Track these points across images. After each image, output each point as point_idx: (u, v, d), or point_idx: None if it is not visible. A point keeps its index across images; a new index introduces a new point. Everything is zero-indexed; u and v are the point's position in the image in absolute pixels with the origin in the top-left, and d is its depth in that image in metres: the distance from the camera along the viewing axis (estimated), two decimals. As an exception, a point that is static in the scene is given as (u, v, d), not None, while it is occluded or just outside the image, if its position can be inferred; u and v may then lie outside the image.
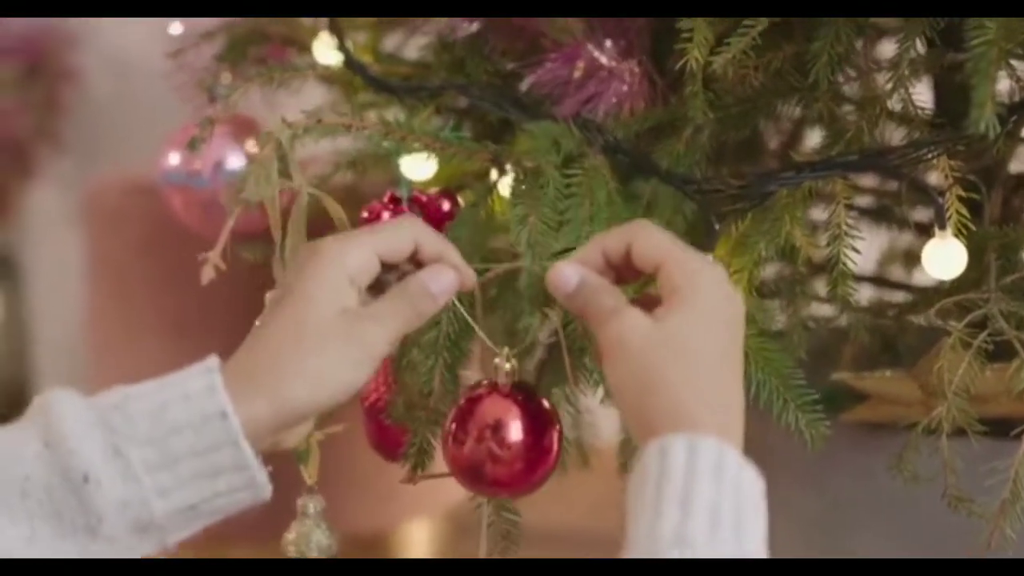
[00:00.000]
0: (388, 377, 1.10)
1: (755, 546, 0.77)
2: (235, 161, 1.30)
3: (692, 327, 0.82)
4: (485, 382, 0.92)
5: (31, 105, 2.56)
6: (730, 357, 0.83)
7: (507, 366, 0.91)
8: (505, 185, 1.06)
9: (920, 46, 1.05)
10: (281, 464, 0.87)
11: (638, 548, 0.75)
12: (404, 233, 0.87)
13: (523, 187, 0.98)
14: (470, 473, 0.90)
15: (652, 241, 0.85)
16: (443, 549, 2.13)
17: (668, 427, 0.79)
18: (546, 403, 0.91)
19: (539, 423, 0.90)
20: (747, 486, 0.78)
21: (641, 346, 0.82)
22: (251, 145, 1.30)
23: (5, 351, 2.71)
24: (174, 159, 1.32)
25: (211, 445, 0.80)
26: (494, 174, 1.07)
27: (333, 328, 0.83)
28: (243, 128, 1.31)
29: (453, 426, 0.90)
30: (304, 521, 0.98)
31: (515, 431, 0.89)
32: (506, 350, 0.91)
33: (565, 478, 1.38)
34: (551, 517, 1.38)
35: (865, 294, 1.31)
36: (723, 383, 0.82)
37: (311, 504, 0.99)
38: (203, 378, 0.81)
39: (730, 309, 0.84)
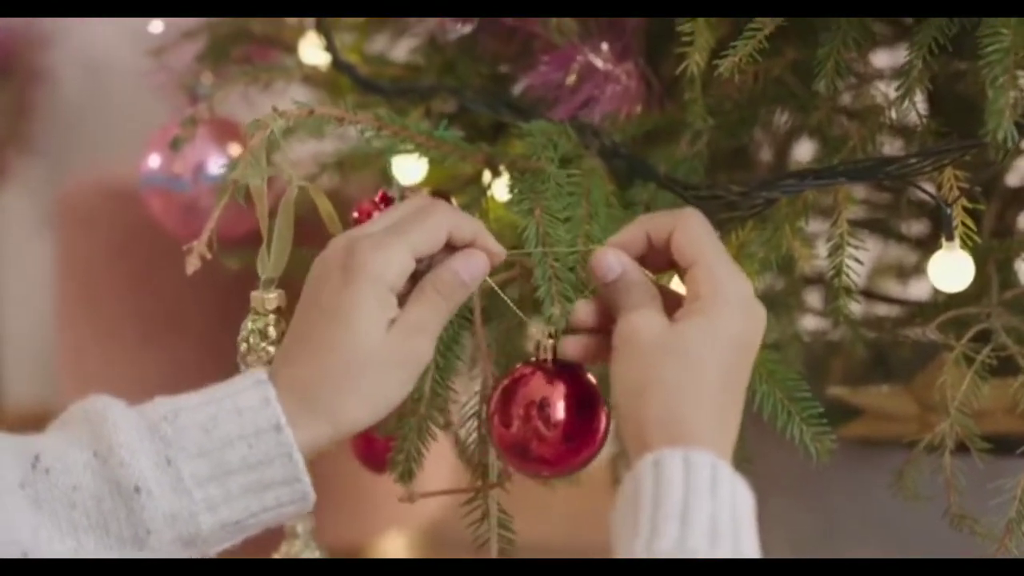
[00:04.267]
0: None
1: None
2: (216, 165, 1.26)
3: (703, 337, 0.80)
4: (532, 360, 0.88)
5: (0, 107, 2.52)
6: (735, 374, 0.82)
7: (550, 342, 0.88)
8: (499, 187, 1.03)
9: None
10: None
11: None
12: (438, 228, 0.85)
13: (523, 184, 0.96)
14: (516, 451, 0.87)
15: (691, 235, 0.84)
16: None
17: (660, 437, 0.77)
18: (592, 381, 0.88)
19: (586, 401, 0.87)
20: (741, 500, 0.76)
21: (648, 345, 0.81)
22: (234, 149, 1.27)
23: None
24: (154, 161, 1.28)
25: (263, 458, 0.79)
26: (487, 176, 1.03)
27: (385, 349, 0.82)
28: (225, 131, 1.27)
29: (499, 403, 0.87)
30: (293, 541, 0.95)
31: (561, 409, 0.86)
32: (550, 328, 0.87)
33: (552, 493, 1.36)
34: (538, 532, 1.35)
35: (856, 307, 1.28)
36: (722, 398, 0.81)
37: (300, 523, 0.95)
38: (256, 391, 0.80)
39: (747, 326, 0.82)
